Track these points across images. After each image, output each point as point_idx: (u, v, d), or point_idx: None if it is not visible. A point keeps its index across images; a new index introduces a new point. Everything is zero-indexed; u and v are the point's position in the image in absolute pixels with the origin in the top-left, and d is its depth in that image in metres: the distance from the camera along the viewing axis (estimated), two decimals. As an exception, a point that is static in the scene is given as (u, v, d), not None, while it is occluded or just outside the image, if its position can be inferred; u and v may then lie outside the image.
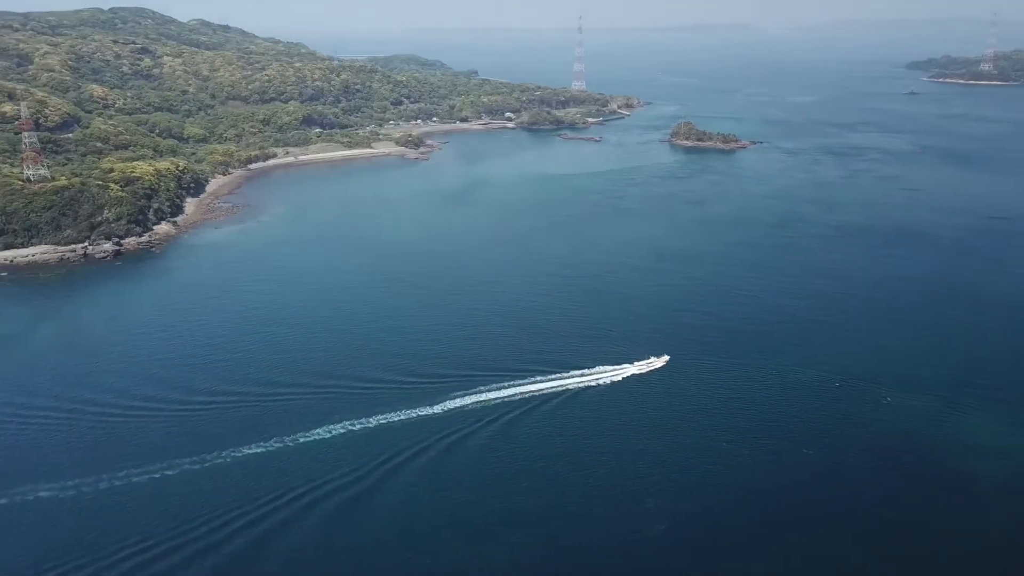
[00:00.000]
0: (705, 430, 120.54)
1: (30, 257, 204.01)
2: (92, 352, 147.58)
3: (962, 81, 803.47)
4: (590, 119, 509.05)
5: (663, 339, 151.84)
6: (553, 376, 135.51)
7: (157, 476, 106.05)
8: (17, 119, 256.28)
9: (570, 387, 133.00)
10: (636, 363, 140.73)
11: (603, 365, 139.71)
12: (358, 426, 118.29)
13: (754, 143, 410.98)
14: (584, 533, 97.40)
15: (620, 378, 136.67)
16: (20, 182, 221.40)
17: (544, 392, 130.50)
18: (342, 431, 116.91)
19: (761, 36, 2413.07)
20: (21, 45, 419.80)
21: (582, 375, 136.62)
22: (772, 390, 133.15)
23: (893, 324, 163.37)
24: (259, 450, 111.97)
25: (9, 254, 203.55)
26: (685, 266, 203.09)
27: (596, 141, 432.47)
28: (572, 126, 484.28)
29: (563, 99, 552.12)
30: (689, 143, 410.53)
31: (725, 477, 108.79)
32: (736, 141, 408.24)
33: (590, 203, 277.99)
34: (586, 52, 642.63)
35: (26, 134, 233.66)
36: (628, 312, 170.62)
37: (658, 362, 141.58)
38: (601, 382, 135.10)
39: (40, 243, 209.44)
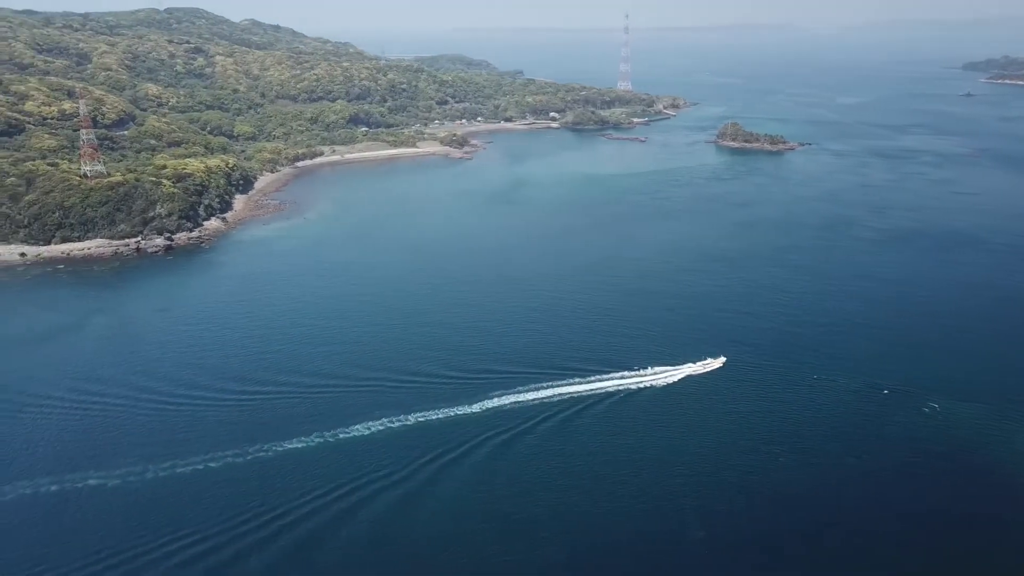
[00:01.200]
0: (752, 435, 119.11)
1: (86, 250, 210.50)
2: (142, 343, 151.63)
3: (1023, 83, 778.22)
4: (635, 119, 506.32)
5: (715, 340, 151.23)
6: (607, 376, 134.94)
7: (201, 468, 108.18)
8: (76, 116, 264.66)
9: (626, 387, 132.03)
10: (693, 364, 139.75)
11: (659, 365, 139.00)
12: (397, 423, 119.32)
13: (802, 145, 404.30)
14: (624, 535, 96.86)
15: (676, 378, 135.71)
16: (78, 177, 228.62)
17: (598, 392, 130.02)
18: (381, 428, 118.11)
19: (809, 36, 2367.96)
20: (81, 44, 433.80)
21: (638, 375, 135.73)
22: (818, 395, 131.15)
23: (943, 330, 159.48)
24: (300, 445, 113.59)
25: (66, 247, 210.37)
26: (731, 268, 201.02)
27: (641, 141, 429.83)
28: (617, 126, 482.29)
29: (608, 99, 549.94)
30: (735, 144, 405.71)
31: (768, 484, 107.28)
32: (783, 142, 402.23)
33: (634, 204, 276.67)
34: (632, 52, 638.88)
35: (84, 131, 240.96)
36: (676, 312, 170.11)
37: (715, 363, 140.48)
38: (657, 383, 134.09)
39: (95, 237, 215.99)
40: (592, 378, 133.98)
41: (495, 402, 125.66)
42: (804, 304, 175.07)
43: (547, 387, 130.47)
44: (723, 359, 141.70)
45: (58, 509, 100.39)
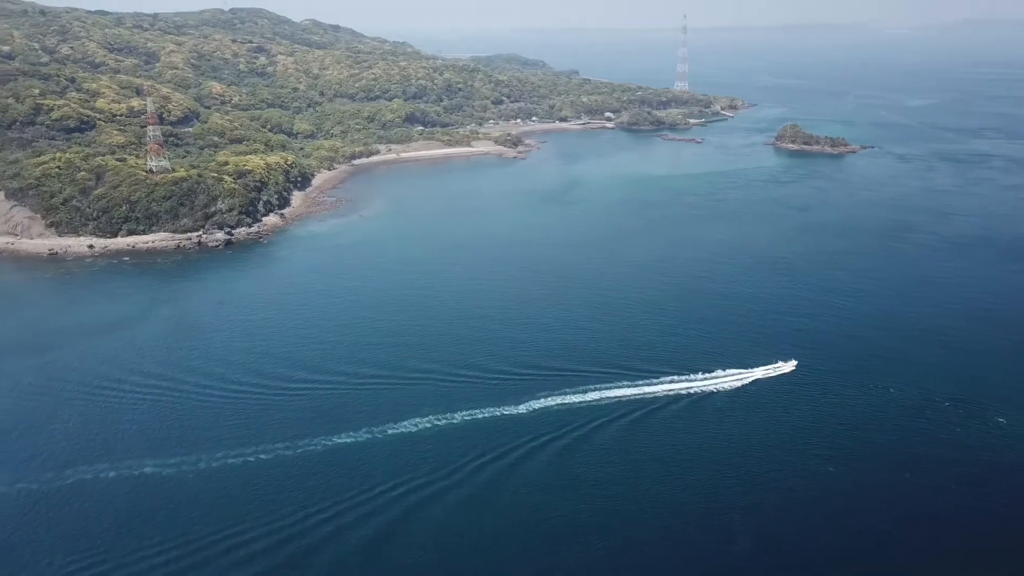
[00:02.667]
0: (810, 442, 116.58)
1: (150, 243, 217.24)
2: (200, 335, 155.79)
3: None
4: (692, 120, 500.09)
5: (781, 343, 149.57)
6: (672, 378, 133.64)
7: (252, 460, 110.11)
8: (144, 113, 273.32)
9: (695, 389, 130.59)
10: (764, 367, 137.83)
11: (729, 368, 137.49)
12: (443, 421, 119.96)
13: (864, 148, 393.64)
14: (670, 546, 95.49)
15: (746, 382, 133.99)
16: (144, 173, 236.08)
17: (663, 394, 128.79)
18: (428, 425, 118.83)
19: (880, 36, 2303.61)
20: (149, 44, 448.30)
21: (705, 378, 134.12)
22: (881, 403, 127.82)
23: (1011, 341, 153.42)
24: (349, 440, 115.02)
25: (132, 240, 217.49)
26: (791, 272, 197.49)
27: (697, 143, 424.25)
28: (673, 127, 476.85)
29: (665, 100, 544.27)
30: (795, 146, 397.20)
31: (818, 495, 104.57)
32: (845, 145, 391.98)
33: (689, 205, 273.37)
34: (691, 52, 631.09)
35: (151, 127, 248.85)
36: (738, 314, 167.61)
37: (786, 367, 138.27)
38: (725, 386, 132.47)
39: (159, 231, 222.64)
40: (656, 380, 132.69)
41: (555, 402, 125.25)
42: (867, 309, 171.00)
43: (611, 388, 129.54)
44: (794, 363, 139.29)
45: (114, 495, 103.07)
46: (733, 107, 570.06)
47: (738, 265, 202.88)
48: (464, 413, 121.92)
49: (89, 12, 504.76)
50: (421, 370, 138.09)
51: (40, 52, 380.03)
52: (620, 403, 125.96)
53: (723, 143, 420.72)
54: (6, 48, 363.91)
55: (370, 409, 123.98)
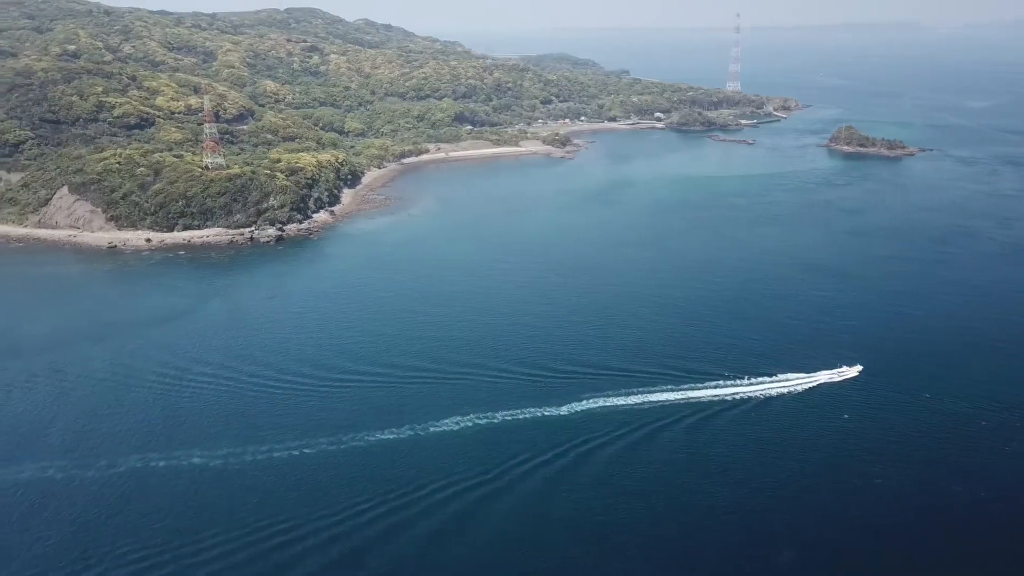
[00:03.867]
0: (861, 452, 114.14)
1: (204, 238, 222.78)
2: (250, 328, 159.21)
3: None
4: (743, 121, 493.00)
5: (839, 348, 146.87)
6: (730, 381, 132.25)
7: (296, 454, 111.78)
8: (201, 111, 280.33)
9: (749, 394, 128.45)
10: (826, 372, 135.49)
11: (788, 372, 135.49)
12: (484, 420, 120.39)
13: (923, 150, 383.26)
14: (714, 555, 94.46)
15: (809, 386, 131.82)
16: (200, 169, 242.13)
17: (723, 398, 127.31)
18: (470, 424, 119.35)
19: (932, 36, 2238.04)
20: (207, 43, 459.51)
21: (770, 381, 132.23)
22: (936, 414, 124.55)
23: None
24: (391, 436, 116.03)
25: (187, 235, 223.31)
26: (844, 276, 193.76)
27: (749, 144, 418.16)
28: (724, 128, 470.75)
29: (716, 100, 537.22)
30: (850, 148, 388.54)
31: (864, 508, 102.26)
32: (902, 147, 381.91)
33: (737, 207, 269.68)
34: (743, 52, 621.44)
35: (207, 125, 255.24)
36: (788, 317, 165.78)
37: (851, 371, 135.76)
38: (788, 390, 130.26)
39: (213, 226, 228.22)
40: (712, 383, 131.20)
41: (599, 403, 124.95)
42: (929, 316, 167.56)
43: (659, 391, 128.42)
44: (859, 367, 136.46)
45: (165, 484, 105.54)
46: (786, 108, 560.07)
47: (788, 268, 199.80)
48: (506, 413, 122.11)
49: (151, 12, 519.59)
50: (464, 366, 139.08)
51: (104, 51, 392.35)
52: (672, 407, 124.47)
53: (775, 144, 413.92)
54: (72, 47, 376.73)
55: (413, 405, 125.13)
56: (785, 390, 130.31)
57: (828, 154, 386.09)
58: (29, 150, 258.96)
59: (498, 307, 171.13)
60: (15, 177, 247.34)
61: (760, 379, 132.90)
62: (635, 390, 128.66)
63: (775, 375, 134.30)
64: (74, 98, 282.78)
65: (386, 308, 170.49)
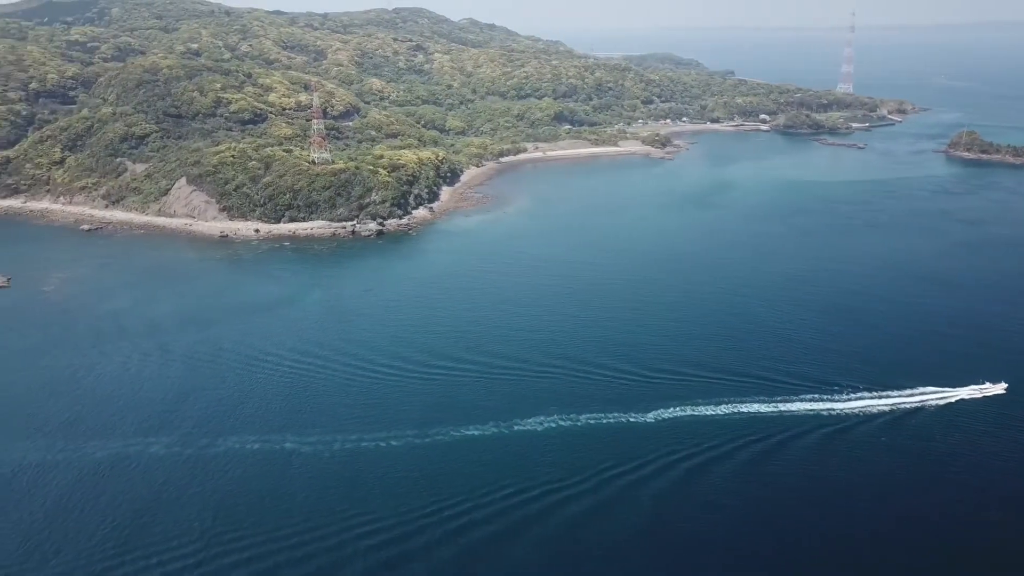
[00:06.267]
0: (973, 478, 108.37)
1: (308, 230, 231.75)
2: (348, 318, 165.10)
3: None
4: (854, 124, 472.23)
5: (978, 363, 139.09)
6: (862, 393, 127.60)
7: (383, 445, 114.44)
8: (310, 107, 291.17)
9: (883, 408, 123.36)
10: (967, 388, 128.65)
11: (926, 386, 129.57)
12: (568, 422, 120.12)
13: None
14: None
15: (949, 402, 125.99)
16: (307, 163, 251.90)
17: (856, 412, 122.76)
18: (553, 425, 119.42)
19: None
20: (318, 42, 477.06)
21: (902, 395, 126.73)
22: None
23: None
24: (476, 432, 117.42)
25: (293, 226, 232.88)
26: (964, 290, 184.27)
27: (859, 148, 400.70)
28: (833, 131, 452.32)
29: (825, 102, 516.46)
30: (970, 155, 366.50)
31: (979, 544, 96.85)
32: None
33: (842, 214, 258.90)
34: (856, 52, 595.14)
35: (315, 121, 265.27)
36: (910, 329, 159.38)
37: (995, 388, 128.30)
38: (928, 404, 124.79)
39: (317, 219, 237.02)
40: (842, 395, 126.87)
41: (689, 411, 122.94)
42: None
43: (791, 400, 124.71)
44: (1005, 385, 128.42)
45: (259, 468, 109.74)
46: (901, 111, 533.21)
47: (908, 278, 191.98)
48: (589, 416, 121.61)
49: (267, 12, 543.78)
50: (549, 365, 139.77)
51: (223, 49, 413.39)
52: (792, 418, 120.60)
53: (888, 149, 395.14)
54: (195, 46, 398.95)
55: (498, 401, 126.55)
56: (926, 404, 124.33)
57: (946, 161, 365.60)
58: (153, 143, 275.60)
59: (586, 307, 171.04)
60: (140, 168, 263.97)
61: (889, 392, 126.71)
62: (735, 398, 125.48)
63: (910, 388, 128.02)
64: (195, 94, 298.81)
65: (478, 303, 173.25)
